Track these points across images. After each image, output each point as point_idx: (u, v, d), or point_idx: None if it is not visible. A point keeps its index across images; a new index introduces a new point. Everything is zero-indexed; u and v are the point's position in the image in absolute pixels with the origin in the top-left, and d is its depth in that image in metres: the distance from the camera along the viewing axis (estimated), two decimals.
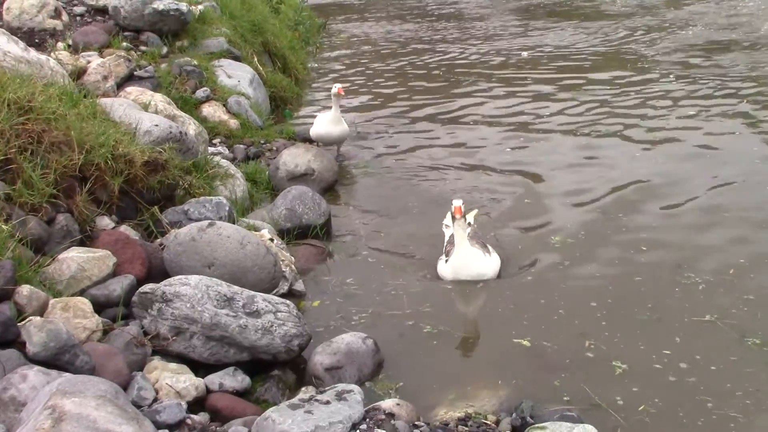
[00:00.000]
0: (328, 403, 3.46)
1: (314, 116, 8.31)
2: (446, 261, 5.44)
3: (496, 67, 11.81)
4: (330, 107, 7.79)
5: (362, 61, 12.80)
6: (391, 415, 3.61)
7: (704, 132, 8.21)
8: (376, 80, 11.43)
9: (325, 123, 7.76)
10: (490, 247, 5.54)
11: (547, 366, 4.34)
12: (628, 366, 4.30)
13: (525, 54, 12.44)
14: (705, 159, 7.48)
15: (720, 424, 3.84)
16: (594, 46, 12.81)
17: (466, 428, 3.75)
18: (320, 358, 4.23)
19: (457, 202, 5.15)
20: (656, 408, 3.96)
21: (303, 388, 4.01)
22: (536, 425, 3.65)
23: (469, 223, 5.62)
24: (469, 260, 5.27)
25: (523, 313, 4.91)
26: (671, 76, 10.52)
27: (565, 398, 4.04)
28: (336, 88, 7.59)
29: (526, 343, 4.56)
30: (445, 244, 5.73)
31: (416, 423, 3.67)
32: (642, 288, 5.17)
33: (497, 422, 3.85)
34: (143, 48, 8.17)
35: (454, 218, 5.19)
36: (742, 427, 3.82)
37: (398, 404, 3.71)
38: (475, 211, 6.10)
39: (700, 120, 8.62)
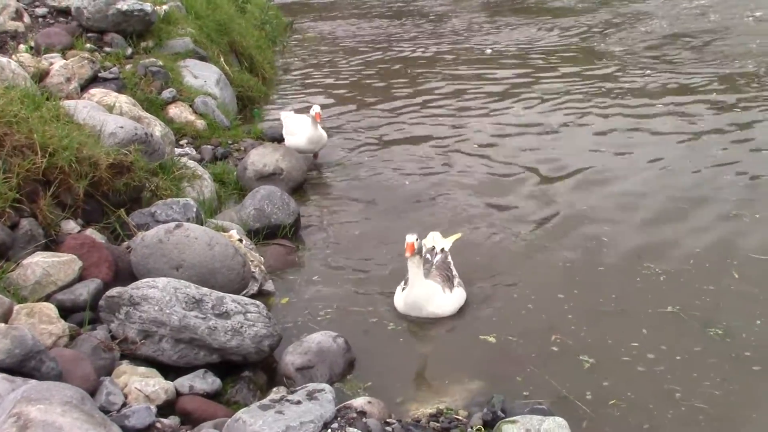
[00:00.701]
0: (299, 403, 3.46)
1: (282, 115, 8.23)
2: (402, 290, 4.98)
3: (460, 63, 11.86)
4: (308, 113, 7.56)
5: (329, 59, 12.77)
6: (362, 414, 3.62)
7: (665, 125, 8.34)
8: (343, 78, 11.41)
9: (305, 141, 7.53)
10: (456, 280, 5.05)
11: (516, 361, 4.39)
12: (596, 360, 4.36)
13: (489, 51, 12.54)
14: (663, 152, 7.59)
15: (689, 415, 3.91)
16: (556, 41, 12.93)
17: (438, 424, 3.78)
18: (291, 358, 4.23)
19: (410, 238, 4.63)
20: (626, 400, 4.02)
21: (274, 389, 4.00)
22: (507, 419, 3.68)
23: (442, 249, 5.25)
24: (421, 299, 4.80)
25: (488, 307, 4.97)
26: (630, 69, 10.67)
27: (530, 393, 4.08)
28: (314, 111, 7.34)
29: (491, 339, 4.60)
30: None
31: (388, 420, 3.68)
32: (606, 280, 5.24)
33: (468, 417, 3.89)
34: (107, 49, 8.06)
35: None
36: (710, 418, 3.88)
37: (369, 402, 3.72)
38: (457, 235, 5.58)
39: (660, 113, 8.75)
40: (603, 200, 6.56)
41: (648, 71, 10.53)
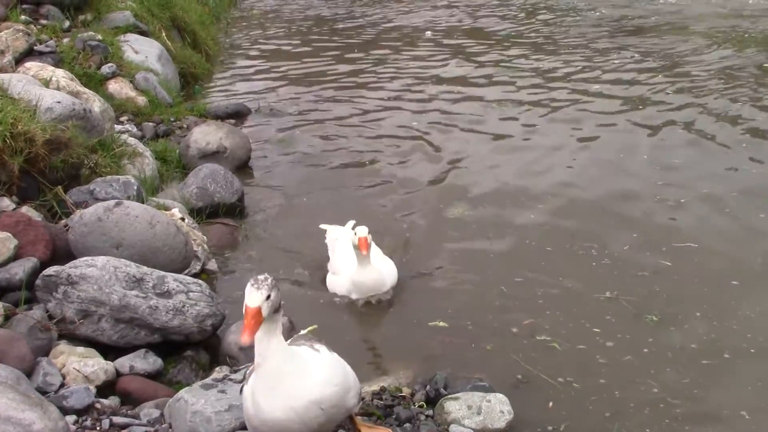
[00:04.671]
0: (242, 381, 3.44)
1: (226, 91, 8.10)
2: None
3: (404, 44, 11.89)
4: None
5: (275, 37, 12.63)
6: None
7: (601, 109, 8.41)
8: (289, 56, 11.30)
9: (347, 286, 4.90)
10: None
11: (462, 342, 4.41)
12: (553, 339, 4.36)
13: (429, 33, 12.63)
14: (597, 136, 7.64)
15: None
16: (499, 24, 13.05)
17: (381, 401, 3.80)
18: (234, 337, 4.19)
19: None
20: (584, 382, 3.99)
21: (217, 368, 3.96)
22: (450, 396, 3.74)
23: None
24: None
25: (431, 291, 4.98)
26: (572, 55, 10.82)
27: (472, 371, 4.11)
28: (356, 238, 4.70)
29: (442, 324, 4.58)
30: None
31: None
32: (553, 266, 5.22)
33: (412, 394, 3.92)
34: (44, 22, 7.84)
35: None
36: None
37: None
38: (312, 327, 3.91)
39: (596, 97, 8.85)
40: (535, 182, 6.56)
41: (591, 56, 10.68)
